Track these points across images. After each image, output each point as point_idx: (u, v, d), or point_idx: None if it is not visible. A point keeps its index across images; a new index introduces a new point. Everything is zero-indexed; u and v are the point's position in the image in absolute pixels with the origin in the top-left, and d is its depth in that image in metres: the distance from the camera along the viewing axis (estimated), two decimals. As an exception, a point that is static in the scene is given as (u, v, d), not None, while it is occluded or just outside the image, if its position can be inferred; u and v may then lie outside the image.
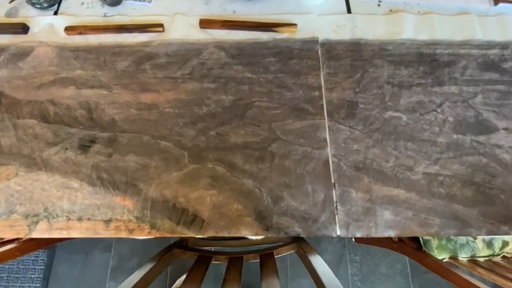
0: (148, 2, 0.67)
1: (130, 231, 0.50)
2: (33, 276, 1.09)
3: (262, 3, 0.67)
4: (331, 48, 0.62)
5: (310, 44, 0.62)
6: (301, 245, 0.62)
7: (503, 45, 0.63)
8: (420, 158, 0.54)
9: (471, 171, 0.53)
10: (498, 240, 0.67)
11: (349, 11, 0.66)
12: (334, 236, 0.49)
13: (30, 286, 1.08)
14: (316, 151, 0.54)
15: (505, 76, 0.60)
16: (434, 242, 0.66)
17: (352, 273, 1.07)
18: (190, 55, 0.62)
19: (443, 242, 0.66)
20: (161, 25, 0.64)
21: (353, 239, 1.09)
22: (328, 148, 0.54)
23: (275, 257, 0.65)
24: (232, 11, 0.67)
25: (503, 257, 0.68)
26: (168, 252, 0.64)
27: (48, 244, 0.73)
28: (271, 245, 0.69)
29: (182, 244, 0.71)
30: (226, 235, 0.49)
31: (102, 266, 1.09)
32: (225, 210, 0.51)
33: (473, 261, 0.66)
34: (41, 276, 1.09)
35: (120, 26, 0.64)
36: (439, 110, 0.57)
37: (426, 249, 0.67)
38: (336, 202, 0.51)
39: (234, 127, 0.56)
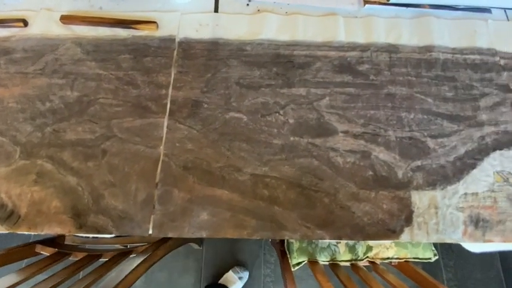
0: (17, -4, 0.67)
1: None
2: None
3: (129, 0, 0.66)
4: (189, 47, 0.62)
5: (167, 42, 0.62)
6: (156, 245, 0.62)
7: (364, 48, 0.62)
8: (252, 159, 0.53)
9: (300, 174, 0.53)
10: (362, 245, 0.67)
11: (216, 10, 0.66)
12: (146, 235, 0.49)
13: None
14: (149, 150, 0.54)
15: (358, 79, 0.60)
16: (296, 244, 0.65)
17: (265, 274, 1.06)
18: (46, 50, 0.61)
19: (304, 244, 0.65)
20: (23, 20, 0.63)
21: (269, 240, 1.09)
22: (162, 147, 0.54)
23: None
24: (99, 7, 0.66)
25: (370, 261, 0.68)
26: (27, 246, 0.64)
27: None
28: (138, 244, 0.68)
29: (54, 240, 0.71)
30: (41, 232, 0.49)
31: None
32: (43, 207, 0.50)
33: (333, 265, 0.65)
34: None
35: (-18, 20, 0.64)
36: (281, 111, 0.57)
37: (288, 252, 0.66)
38: (155, 202, 0.51)
39: (72, 124, 0.56)
